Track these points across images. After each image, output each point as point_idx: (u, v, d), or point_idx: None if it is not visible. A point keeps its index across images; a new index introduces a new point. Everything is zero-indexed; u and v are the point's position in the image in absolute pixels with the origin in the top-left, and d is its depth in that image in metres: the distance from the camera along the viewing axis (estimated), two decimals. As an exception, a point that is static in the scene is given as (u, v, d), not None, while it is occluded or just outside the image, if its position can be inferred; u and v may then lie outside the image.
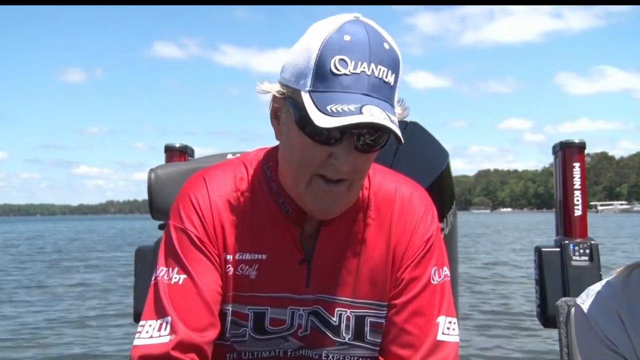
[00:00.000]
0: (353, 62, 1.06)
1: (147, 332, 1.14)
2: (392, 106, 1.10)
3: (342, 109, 1.03)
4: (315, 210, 1.17)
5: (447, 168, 2.03)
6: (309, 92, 1.07)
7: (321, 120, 1.02)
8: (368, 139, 1.09)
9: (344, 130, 1.07)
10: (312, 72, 1.07)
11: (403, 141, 1.07)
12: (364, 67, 1.06)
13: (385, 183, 1.28)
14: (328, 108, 1.03)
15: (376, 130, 1.09)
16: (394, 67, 1.10)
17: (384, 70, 1.08)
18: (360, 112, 1.02)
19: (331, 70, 1.06)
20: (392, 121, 1.05)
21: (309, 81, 1.08)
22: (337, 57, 1.06)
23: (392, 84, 1.09)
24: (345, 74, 1.05)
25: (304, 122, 1.08)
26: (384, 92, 1.08)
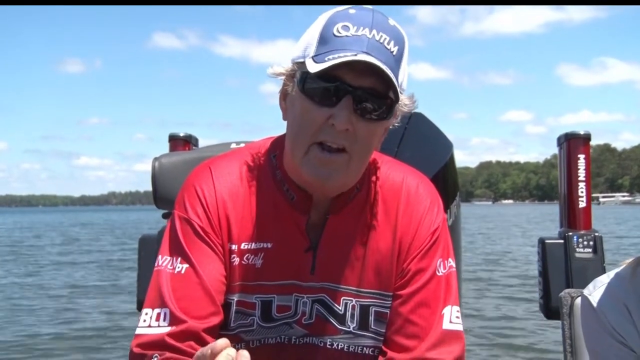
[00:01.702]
0: (355, 27, 1.10)
1: (147, 321, 1.14)
2: (395, 76, 1.10)
3: (337, 56, 1.07)
4: (312, 179, 1.15)
5: (451, 159, 2.03)
6: (312, 57, 1.11)
7: (315, 67, 1.07)
8: (368, 104, 1.11)
9: (343, 91, 1.09)
10: (316, 40, 1.12)
11: (401, 98, 1.13)
12: (365, 32, 1.10)
13: (391, 174, 1.28)
14: (325, 58, 1.08)
15: (377, 97, 1.11)
16: (398, 40, 1.12)
17: (385, 38, 1.11)
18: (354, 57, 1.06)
19: (333, 34, 1.11)
20: (389, 74, 1.07)
21: (313, 49, 1.12)
22: (340, 24, 1.11)
23: (394, 53, 1.11)
24: (346, 36, 1.10)
25: (305, 83, 1.11)
26: (385, 56, 1.09)
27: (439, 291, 1.22)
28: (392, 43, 1.11)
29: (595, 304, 1.31)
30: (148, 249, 2.04)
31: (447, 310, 1.22)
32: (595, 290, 1.33)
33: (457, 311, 1.23)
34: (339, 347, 1.24)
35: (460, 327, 1.23)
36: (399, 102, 1.15)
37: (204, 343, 1.13)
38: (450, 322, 1.21)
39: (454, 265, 1.27)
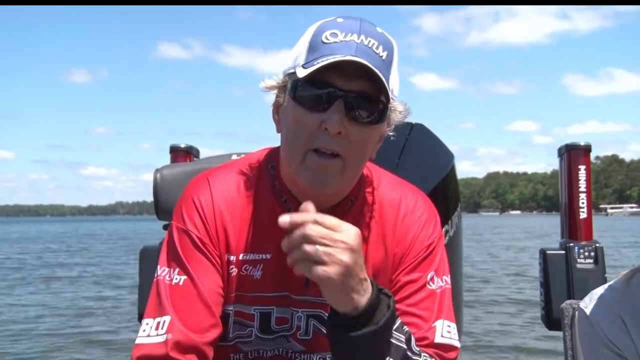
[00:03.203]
0: (343, 34, 1.11)
1: (147, 330, 1.15)
2: (386, 79, 1.10)
3: (326, 59, 1.08)
4: (308, 185, 1.15)
5: (453, 170, 2.03)
6: (302, 65, 1.12)
7: (304, 72, 1.08)
8: (360, 109, 1.11)
9: (334, 96, 1.10)
10: (305, 49, 1.13)
11: (393, 105, 1.14)
12: (353, 37, 1.11)
13: (389, 190, 1.29)
14: (314, 63, 1.09)
15: (369, 101, 1.11)
16: (386, 45, 1.13)
17: (374, 43, 1.11)
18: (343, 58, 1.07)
19: (322, 41, 1.12)
20: (379, 74, 1.08)
21: (302, 57, 1.13)
22: (329, 32, 1.12)
23: (383, 58, 1.12)
24: (334, 42, 1.11)
25: (296, 91, 1.12)
26: (374, 60, 1.10)
27: (428, 303, 1.21)
28: (380, 48, 1.12)
29: (591, 316, 1.31)
30: (149, 260, 2.04)
31: (438, 324, 1.20)
32: (591, 302, 1.33)
33: (448, 326, 1.21)
34: None
35: (454, 342, 1.21)
36: (392, 108, 1.16)
37: (203, 355, 1.14)
38: (442, 335, 1.19)
39: (449, 283, 1.26)
